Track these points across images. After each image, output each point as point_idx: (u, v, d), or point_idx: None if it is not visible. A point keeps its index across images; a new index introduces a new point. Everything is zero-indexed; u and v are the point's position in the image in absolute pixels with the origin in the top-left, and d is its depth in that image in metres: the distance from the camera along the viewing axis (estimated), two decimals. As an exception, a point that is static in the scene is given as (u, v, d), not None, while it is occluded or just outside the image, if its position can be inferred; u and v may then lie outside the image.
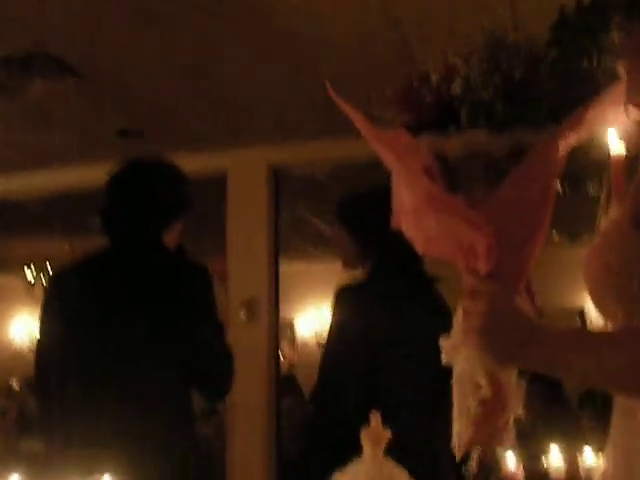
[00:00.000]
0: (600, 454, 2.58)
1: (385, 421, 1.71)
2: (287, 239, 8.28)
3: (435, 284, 3.37)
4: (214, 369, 3.03)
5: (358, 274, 3.50)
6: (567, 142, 1.69)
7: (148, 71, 4.83)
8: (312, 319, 12.44)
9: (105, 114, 5.55)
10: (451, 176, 1.76)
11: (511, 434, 1.72)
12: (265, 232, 6.33)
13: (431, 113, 1.72)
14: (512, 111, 1.64)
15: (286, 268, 7.28)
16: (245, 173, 6.37)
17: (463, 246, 1.67)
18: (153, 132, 5.87)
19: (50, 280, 3.15)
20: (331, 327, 3.38)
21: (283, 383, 7.22)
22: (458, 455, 1.72)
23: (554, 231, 8.76)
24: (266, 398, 6.22)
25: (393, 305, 3.20)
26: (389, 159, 1.74)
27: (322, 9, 3.92)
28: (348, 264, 3.61)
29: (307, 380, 10.27)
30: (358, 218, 3.42)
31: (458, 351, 1.70)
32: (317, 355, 12.35)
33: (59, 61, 4.59)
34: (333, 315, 3.38)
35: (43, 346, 3.09)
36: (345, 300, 3.34)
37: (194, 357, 2.93)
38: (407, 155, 1.72)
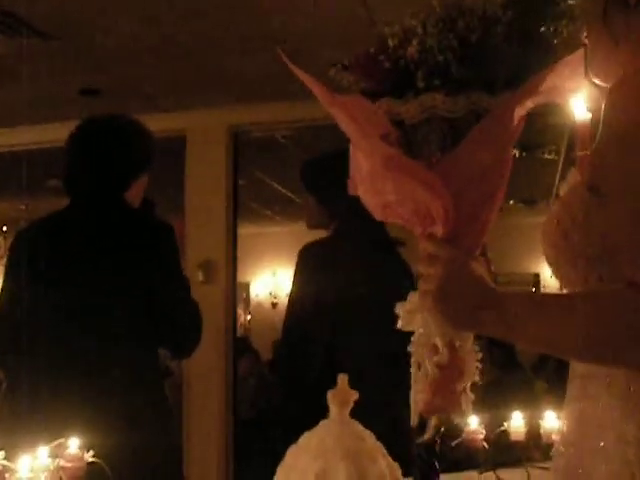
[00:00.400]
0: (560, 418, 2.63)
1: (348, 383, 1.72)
2: (245, 202, 8.29)
3: (398, 248, 3.39)
4: (183, 323, 3.03)
5: (322, 234, 3.51)
6: (524, 107, 1.68)
7: (109, 31, 4.78)
8: (267, 281, 12.47)
9: (66, 74, 5.50)
10: (409, 141, 1.73)
11: (469, 401, 1.71)
12: (223, 194, 6.32)
13: (389, 79, 1.69)
14: (467, 73, 1.62)
15: (243, 230, 7.28)
16: (204, 134, 6.34)
17: (420, 210, 1.67)
18: (113, 93, 5.83)
19: (14, 239, 3.10)
20: (295, 284, 3.38)
21: (238, 344, 7.25)
22: (414, 420, 1.72)
23: (510, 198, 8.83)
24: (223, 359, 6.24)
25: (356, 263, 3.21)
26: (345, 124, 1.72)
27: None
28: (312, 225, 3.62)
29: (261, 341, 10.35)
30: (321, 181, 3.42)
31: (414, 316, 1.70)
32: (271, 317, 12.34)
33: (21, 20, 4.54)
34: (296, 272, 3.38)
35: (6, 306, 3.05)
36: (309, 256, 3.34)
37: (162, 312, 2.93)
38: (365, 121, 1.71)
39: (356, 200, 1.78)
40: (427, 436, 1.79)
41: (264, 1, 4.32)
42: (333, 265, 3.24)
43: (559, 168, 1.81)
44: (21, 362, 2.92)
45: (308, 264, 3.32)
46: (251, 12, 4.45)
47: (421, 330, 1.69)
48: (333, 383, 1.70)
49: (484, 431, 2.60)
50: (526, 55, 1.67)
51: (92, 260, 2.93)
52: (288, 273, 12.30)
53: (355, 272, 3.20)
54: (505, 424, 2.67)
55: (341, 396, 1.68)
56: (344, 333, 3.18)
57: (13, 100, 5.79)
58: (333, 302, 3.16)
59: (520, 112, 1.69)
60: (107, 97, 5.88)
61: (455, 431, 2.51)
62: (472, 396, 1.73)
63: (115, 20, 4.61)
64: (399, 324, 1.72)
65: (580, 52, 1.63)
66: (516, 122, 1.69)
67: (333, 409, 1.68)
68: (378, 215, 1.76)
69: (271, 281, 12.42)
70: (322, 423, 1.70)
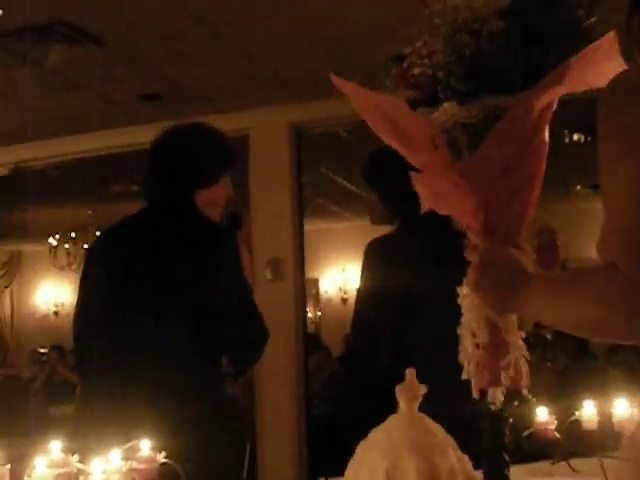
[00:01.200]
0: (633, 405, 2.60)
1: (418, 376, 1.74)
2: (311, 198, 8.30)
3: (462, 239, 3.36)
4: (245, 338, 3.04)
5: (386, 230, 3.50)
6: (548, 97, 1.73)
7: (166, 36, 4.82)
8: (336, 277, 12.48)
9: (124, 80, 5.56)
10: (453, 143, 1.85)
11: (525, 376, 1.80)
12: (288, 192, 6.33)
13: (417, 91, 1.83)
14: (468, 86, 1.73)
15: (310, 227, 7.29)
16: (267, 133, 6.36)
17: (455, 207, 1.85)
18: (173, 96, 5.87)
19: (91, 244, 3.17)
20: (362, 280, 3.39)
21: (309, 341, 7.26)
22: (475, 393, 1.80)
23: (577, 183, 8.75)
24: (294, 357, 6.26)
25: (421, 256, 3.20)
26: (383, 132, 1.83)
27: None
28: (376, 221, 3.61)
29: (332, 337, 10.37)
30: (383, 177, 3.41)
31: (467, 300, 1.83)
32: (341, 312, 12.37)
33: (77, 29, 4.59)
34: (363, 268, 3.39)
35: (83, 311, 3.10)
36: (375, 252, 3.34)
37: (224, 324, 2.94)
38: (407, 125, 1.81)
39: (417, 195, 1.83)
40: (494, 407, 1.86)
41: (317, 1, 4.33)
42: (398, 259, 3.23)
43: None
44: (95, 366, 2.95)
45: (375, 260, 3.32)
46: (306, 12, 4.46)
47: (467, 314, 1.82)
48: (402, 377, 1.73)
49: (555, 421, 2.58)
50: (536, 53, 1.72)
51: (161, 266, 2.96)
52: (357, 268, 12.23)
53: (421, 265, 3.18)
54: (577, 413, 2.64)
55: (409, 391, 1.70)
56: (412, 325, 3.16)
57: (74, 108, 5.87)
58: (400, 296, 3.15)
59: (543, 103, 1.73)
60: (167, 101, 5.92)
61: (526, 422, 2.50)
62: (527, 368, 1.82)
63: (170, 23, 4.65)
64: (459, 304, 1.85)
65: (610, 35, 1.65)
66: (542, 112, 1.75)
67: (402, 404, 1.70)
68: (427, 205, 1.84)
69: (340, 277, 12.42)
70: (391, 418, 1.71)
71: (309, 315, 11.50)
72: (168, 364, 2.87)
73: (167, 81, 5.62)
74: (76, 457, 1.96)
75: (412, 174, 1.78)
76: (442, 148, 1.80)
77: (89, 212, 9.67)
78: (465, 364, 1.81)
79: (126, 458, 2.05)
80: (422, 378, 1.74)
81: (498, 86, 1.74)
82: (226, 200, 3.20)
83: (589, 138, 6.60)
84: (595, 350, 7.80)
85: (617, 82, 1.47)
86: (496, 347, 1.79)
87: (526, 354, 1.83)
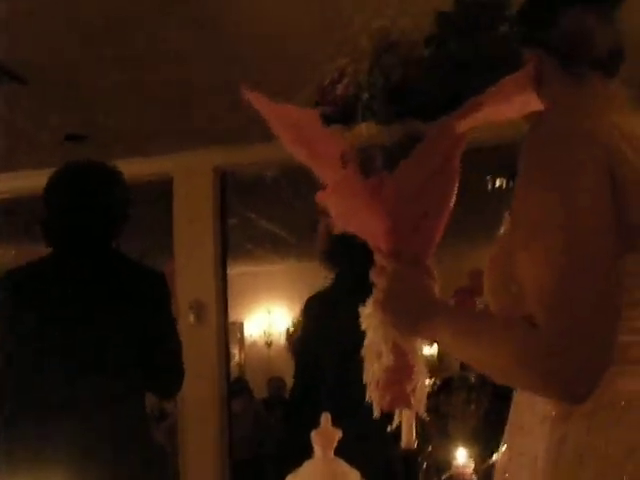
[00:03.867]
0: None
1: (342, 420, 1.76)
2: (238, 241, 8.29)
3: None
4: (168, 364, 3.02)
5: (314, 267, 3.60)
6: (465, 124, 1.71)
7: (92, 76, 4.80)
8: (261, 320, 12.45)
9: (49, 119, 5.51)
10: (364, 161, 1.81)
11: (422, 399, 1.80)
12: (212, 234, 6.32)
13: (334, 108, 1.80)
14: (392, 109, 1.72)
15: (235, 270, 7.27)
16: (191, 176, 6.35)
17: (364, 227, 1.81)
18: (98, 137, 5.84)
19: (0, 281, 3.07)
20: (302, 334, 3.50)
21: (233, 385, 7.23)
22: (375, 413, 1.79)
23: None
24: (217, 401, 6.21)
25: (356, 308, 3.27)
26: (292, 146, 1.80)
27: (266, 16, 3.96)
28: (324, 250, 3.66)
29: (256, 380, 10.31)
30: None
31: (370, 320, 1.82)
32: (265, 356, 12.26)
33: (1, 66, 4.55)
34: (303, 323, 3.51)
35: None
36: (313, 307, 3.43)
37: (147, 354, 2.92)
38: (318, 140, 1.77)
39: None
40: (394, 425, 1.86)
41: (247, 46, 4.35)
42: (336, 311, 3.30)
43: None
44: (9, 405, 2.91)
45: (312, 314, 3.42)
46: (234, 57, 4.48)
47: (371, 334, 1.82)
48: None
49: (473, 464, 2.60)
50: (459, 81, 1.72)
51: (80, 306, 2.93)
52: (282, 311, 12.33)
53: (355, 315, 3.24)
54: (495, 456, 2.66)
55: (324, 436, 1.68)
56: (343, 376, 3.21)
57: (-2, 147, 5.80)
58: (338, 345, 3.21)
59: (458, 131, 1.73)
60: (92, 143, 5.88)
61: (444, 464, 2.52)
62: (425, 393, 1.83)
63: (98, 65, 4.63)
64: (361, 325, 1.86)
65: (529, 66, 1.66)
66: (456, 140, 1.75)
67: (317, 449, 1.68)
68: (338, 224, 1.87)
69: (266, 320, 12.39)
70: (307, 463, 1.70)
71: (235, 358, 11.44)
72: (89, 403, 2.84)
73: (92, 122, 5.59)
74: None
75: (319, 192, 1.78)
76: (353, 165, 1.77)
77: (13, 252, 9.53)
78: (368, 385, 1.82)
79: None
80: (348, 423, 1.74)
81: (420, 110, 1.74)
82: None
83: (511, 183, 6.70)
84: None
85: (536, 129, 1.50)
86: (399, 369, 1.78)
87: (427, 377, 1.83)
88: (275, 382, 9.74)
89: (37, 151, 6.05)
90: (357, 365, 3.19)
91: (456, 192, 1.80)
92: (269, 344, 12.23)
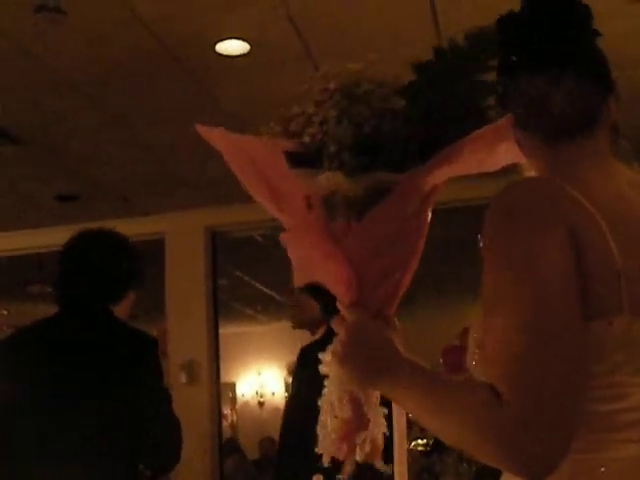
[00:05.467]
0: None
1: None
2: (227, 301, 8.28)
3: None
4: (164, 440, 3.00)
5: (313, 334, 3.60)
6: (438, 177, 1.68)
7: (85, 139, 4.84)
8: (252, 381, 12.39)
9: (43, 180, 5.54)
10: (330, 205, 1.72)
11: (377, 452, 1.73)
12: (204, 295, 6.33)
13: (299, 154, 1.71)
14: (361, 161, 1.64)
15: (226, 330, 7.26)
16: (182, 236, 6.37)
17: (326, 276, 1.72)
18: (90, 198, 5.87)
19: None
20: (295, 387, 3.47)
21: (225, 445, 7.18)
22: (325, 461, 1.72)
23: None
24: (209, 461, 6.18)
25: None
26: (251, 186, 1.75)
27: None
28: (299, 324, 3.67)
29: (248, 441, 10.23)
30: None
31: (328, 369, 1.74)
32: (258, 416, 12.12)
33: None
34: (297, 372, 3.47)
35: None
36: (308, 357, 3.41)
37: (142, 429, 2.90)
38: (283, 181, 1.72)
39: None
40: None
41: (235, 105, 4.40)
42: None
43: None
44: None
45: (306, 365, 3.41)
46: (224, 117, 4.52)
47: (327, 384, 1.74)
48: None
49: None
50: (434, 132, 1.67)
51: (75, 371, 2.92)
52: (273, 372, 12.26)
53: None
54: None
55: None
56: None
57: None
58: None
59: (434, 180, 1.69)
60: (84, 202, 5.91)
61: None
62: (382, 445, 1.75)
63: (88, 126, 4.68)
64: (320, 371, 1.76)
65: (504, 119, 1.62)
66: (428, 193, 1.71)
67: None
68: (299, 272, 1.78)
69: (256, 380, 12.34)
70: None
71: (227, 419, 11.37)
72: (81, 473, 2.82)
73: (83, 182, 5.61)
74: None
75: (281, 235, 1.71)
76: (317, 209, 1.70)
77: (4, 312, 9.53)
78: (320, 437, 1.75)
79: None
80: None
81: (390, 162, 1.66)
82: (127, 315, 3.19)
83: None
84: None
85: (499, 203, 1.44)
86: (356, 421, 1.72)
87: (385, 430, 1.76)
88: (267, 442, 9.67)
89: (30, 212, 6.08)
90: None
91: (423, 246, 1.75)
92: (261, 404, 12.16)
